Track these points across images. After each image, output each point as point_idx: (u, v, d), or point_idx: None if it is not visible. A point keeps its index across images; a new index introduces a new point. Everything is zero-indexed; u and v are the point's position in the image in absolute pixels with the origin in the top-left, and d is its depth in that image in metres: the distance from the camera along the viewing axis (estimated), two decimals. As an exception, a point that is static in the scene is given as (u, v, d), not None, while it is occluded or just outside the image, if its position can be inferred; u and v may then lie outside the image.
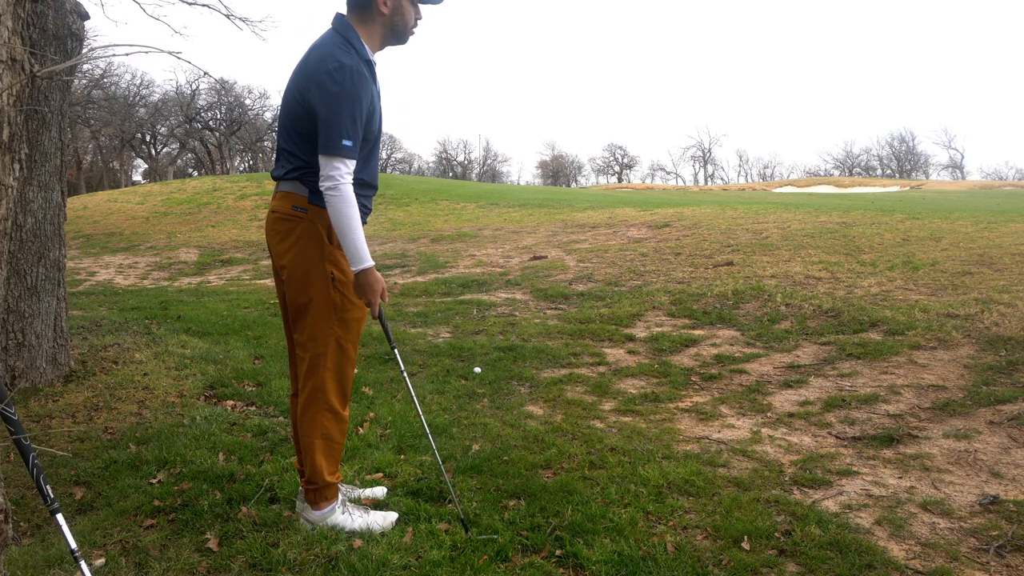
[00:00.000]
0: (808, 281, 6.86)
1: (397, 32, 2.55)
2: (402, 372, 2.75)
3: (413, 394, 2.81)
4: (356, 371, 4.79)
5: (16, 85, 1.74)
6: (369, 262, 2.40)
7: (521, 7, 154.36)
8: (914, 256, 7.50)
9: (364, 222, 2.61)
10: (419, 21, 2.58)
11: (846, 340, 5.11)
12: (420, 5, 2.57)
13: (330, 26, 2.51)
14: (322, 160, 2.33)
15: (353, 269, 2.41)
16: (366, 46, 2.48)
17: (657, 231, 11.09)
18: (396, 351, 2.78)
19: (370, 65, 2.46)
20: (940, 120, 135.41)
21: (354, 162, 2.37)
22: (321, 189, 2.34)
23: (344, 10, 2.52)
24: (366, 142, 2.48)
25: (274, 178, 2.57)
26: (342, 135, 2.32)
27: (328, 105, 2.32)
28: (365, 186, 2.55)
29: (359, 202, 2.50)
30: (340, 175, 2.32)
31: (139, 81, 48.78)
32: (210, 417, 3.92)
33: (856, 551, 2.47)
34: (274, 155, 2.69)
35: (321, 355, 2.51)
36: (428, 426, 3.05)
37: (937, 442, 3.45)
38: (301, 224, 2.46)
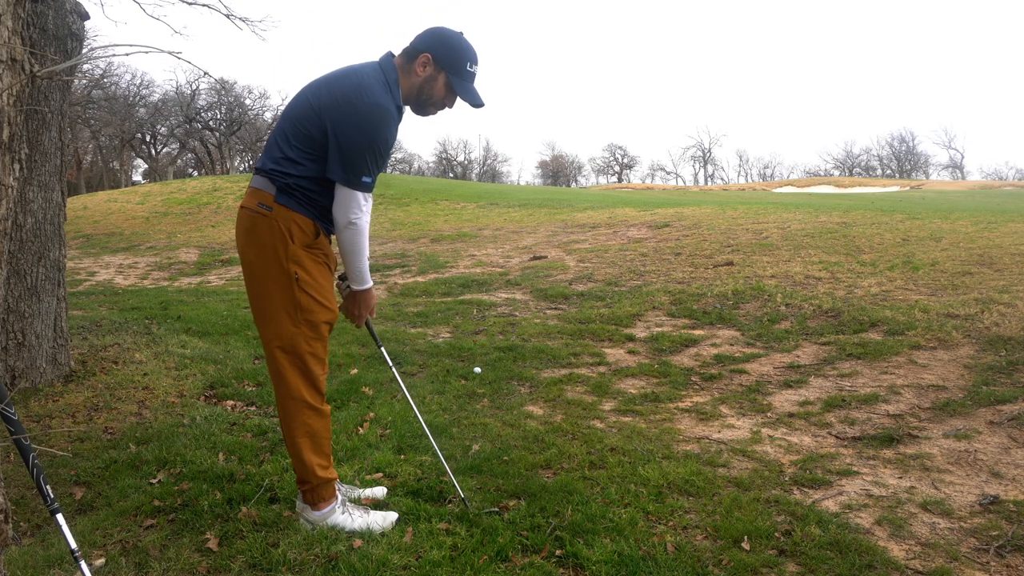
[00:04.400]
0: (808, 281, 6.86)
1: (421, 100, 2.54)
2: (391, 367, 2.75)
3: (408, 395, 2.80)
4: (356, 371, 4.80)
5: (16, 85, 1.74)
6: (370, 282, 2.57)
7: (521, 7, 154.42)
8: (914, 256, 7.50)
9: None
10: (447, 107, 2.57)
11: (846, 340, 5.11)
12: (457, 97, 2.54)
13: (376, 60, 2.52)
14: (344, 191, 2.39)
15: (354, 288, 2.57)
16: (401, 92, 2.50)
17: (657, 231, 11.08)
18: (384, 350, 2.80)
19: (400, 112, 2.49)
20: (940, 120, 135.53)
21: (370, 196, 2.45)
22: (337, 219, 2.43)
23: (396, 50, 2.54)
24: None
25: (254, 169, 2.57)
26: (362, 172, 2.39)
27: (357, 139, 2.36)
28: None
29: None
30: (360, 209, 2.42)
31: (139, 81, 48.87)
32: (210, 417, 3.92)
33: (856, 551, 2.47)
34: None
35: (288, 354, 2.51)
36: (427, 426, 3.05)
37: (937, 442, 3.45)
38: (264, 222, 2.44)
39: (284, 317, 2.47)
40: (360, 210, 2.42)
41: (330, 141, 2.38)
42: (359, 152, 2.37)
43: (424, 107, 2.56)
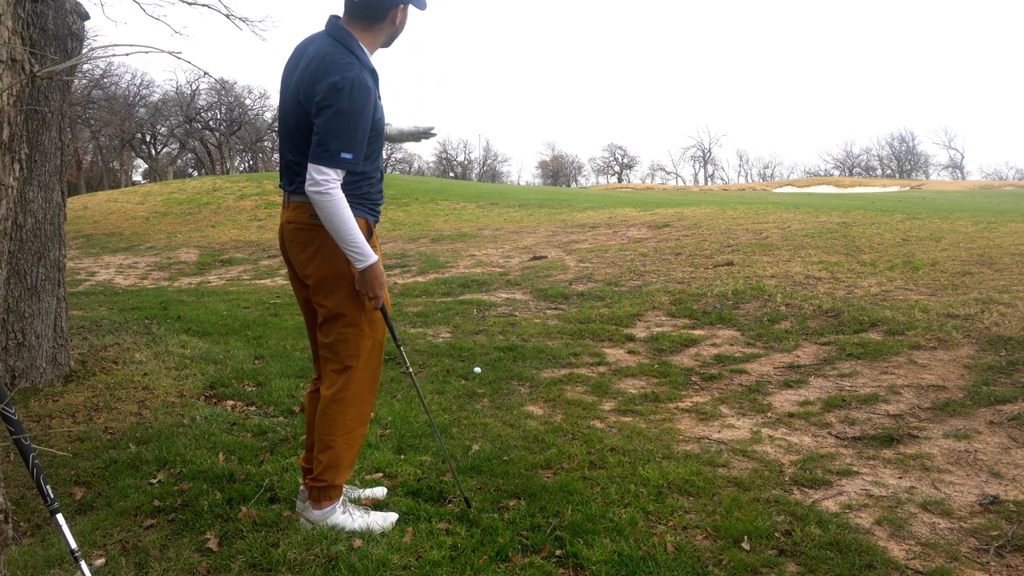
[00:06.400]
0: (808, 281, 6.86)
1: (393, 39, 2.58)
2: (408, 369, 2.75)
3: (419, 390, 2.81)
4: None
5: (16, 85, 1.74)
6: (374, 256, 2.44)
7: (521, 7, 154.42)
8: (914, 256, 7.50)
9: (380, 202, 2.66)
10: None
11: (846, 340, 5.11)
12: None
13: (324, 30, 2.47)
14: (312, 166, 2.30)
15: (359, 267, 2.42)
16: (367, 52, 2.46)
17: (657, 231, 11.08)
18: (402, 349, 2.79)
19: (374, 74, 2.45)
20: (940, 120, 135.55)
21: (344, 173, 2.35)
22: (308, 192, 2.31)
23: (338, 12, 2.48)
24: (371, 142, 2.46)
25: (282, 188, 2.56)
26: (342, 149, 2.31)
27: (332, 119, 2.30)
28: (369, 176, 2.54)
29: (376, 188, 2.56)
30: (330, 181, 2.30)
31: (139, 81, 48.80)
32: (210, 417, 3.92)
33: (856, 551, 2.47)
34: (275, 156, 2.70)
35: (354, 357, 2.53)
36: (431, 426, 3.05)
37: (937, 442, 3.45)
38: (322, 232, 2.43)
39: (353, 322, 2.51)
40: (329, 179, 2.28)
41: (315, 126, 2.33)
42: (340, 129, 2.30)
43: (393, 42, 2.59)
